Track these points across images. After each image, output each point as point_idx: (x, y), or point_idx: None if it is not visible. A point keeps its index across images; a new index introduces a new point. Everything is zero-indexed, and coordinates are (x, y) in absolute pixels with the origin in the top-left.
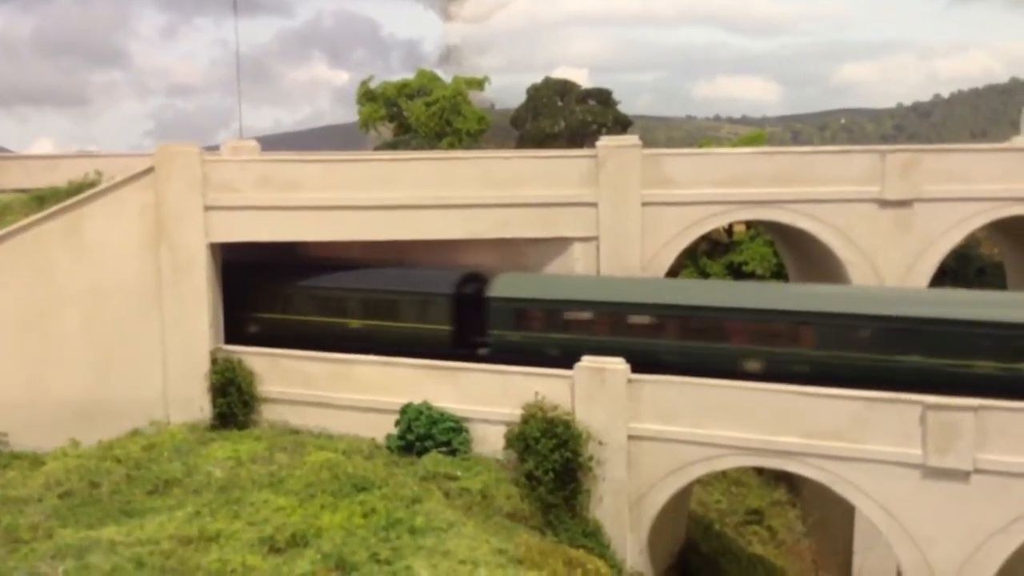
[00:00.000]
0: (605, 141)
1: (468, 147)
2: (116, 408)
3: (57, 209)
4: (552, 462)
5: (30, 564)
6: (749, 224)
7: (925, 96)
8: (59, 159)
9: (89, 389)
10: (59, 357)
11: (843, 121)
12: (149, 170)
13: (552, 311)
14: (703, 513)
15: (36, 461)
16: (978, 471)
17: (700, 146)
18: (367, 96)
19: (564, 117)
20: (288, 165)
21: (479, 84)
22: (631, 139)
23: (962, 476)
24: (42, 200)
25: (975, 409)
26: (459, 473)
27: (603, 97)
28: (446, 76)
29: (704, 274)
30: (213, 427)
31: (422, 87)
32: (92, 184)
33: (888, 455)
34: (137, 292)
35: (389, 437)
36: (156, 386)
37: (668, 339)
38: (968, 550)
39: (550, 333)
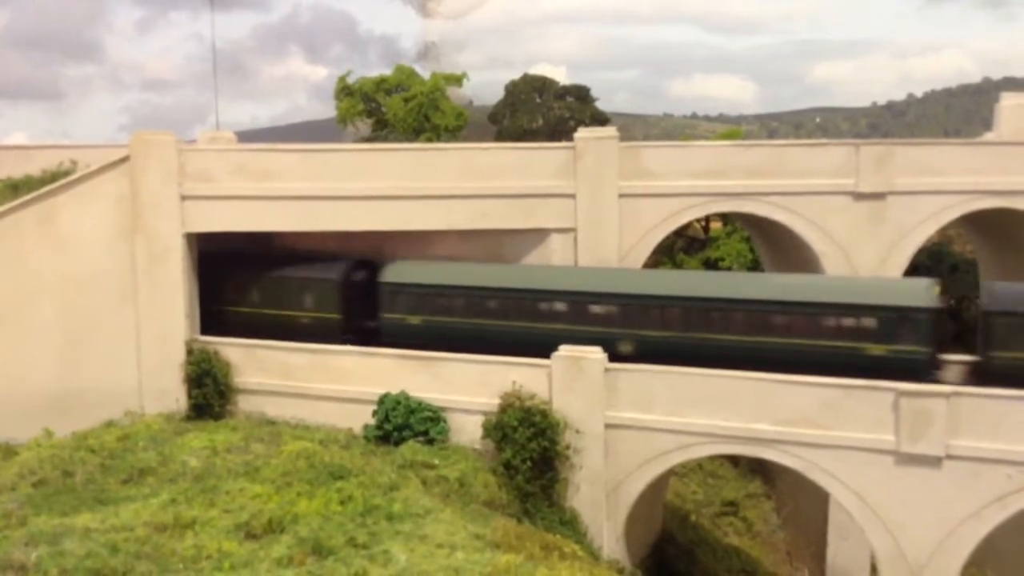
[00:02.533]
0: (583, 132)
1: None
2: (90, 399)
3: (31, 198)
4: (529, 451)
5: (3, 550)
6: (725, 219)
7: (899, 95)
8: (33, 150)
9: (63, 380)
10: (33, 347)
11: (818, 120)
12: (124, 159)
13: None
14: (679, 504)
15: (9, 451)
16: (950, 457)
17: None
18: (345, 91)
19: (542, 113)
20: (265, 155)
21: (457, 80)
22: (609, 131)
23: (934, 462)
24: (16, 188)
25: (947, 396)
26: (436, 462)
27: (581, 94)
28: (424, 72)
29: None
30: (189, 418)
31: (400, 83)
32: (67, 173)
33: (862, 441)
34: (112, 282)
35: (366, 427)
36: (131, 377)
37: None
38: (940, 535)
39: None
